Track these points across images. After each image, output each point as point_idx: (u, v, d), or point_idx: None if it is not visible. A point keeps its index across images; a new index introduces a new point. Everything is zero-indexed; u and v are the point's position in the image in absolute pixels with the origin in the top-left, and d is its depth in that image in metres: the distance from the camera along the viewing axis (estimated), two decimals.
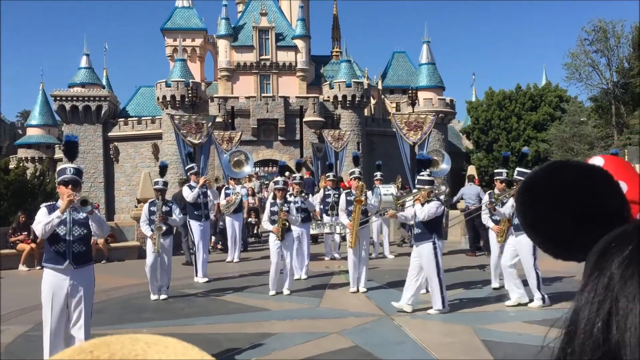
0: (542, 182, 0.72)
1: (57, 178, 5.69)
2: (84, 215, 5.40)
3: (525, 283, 8.17)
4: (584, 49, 38.57)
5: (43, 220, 5.28)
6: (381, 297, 8.89)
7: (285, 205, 9.21)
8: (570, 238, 0.69)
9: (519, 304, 8.00)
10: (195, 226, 10.82)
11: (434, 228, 7.73)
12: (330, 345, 6.38)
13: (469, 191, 13.60)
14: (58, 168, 5.85)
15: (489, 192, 9.75)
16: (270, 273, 9.20)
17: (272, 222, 9.16)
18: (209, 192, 11.12)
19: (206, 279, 10.40)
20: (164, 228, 8.98)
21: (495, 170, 8.93)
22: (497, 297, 8.73)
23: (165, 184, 9.56)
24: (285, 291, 9.11)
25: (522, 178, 8.16)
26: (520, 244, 7.98)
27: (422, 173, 8.10)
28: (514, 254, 8.14)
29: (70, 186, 5.32)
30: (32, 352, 6.08)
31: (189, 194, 10.82)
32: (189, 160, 10.82)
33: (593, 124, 38.62)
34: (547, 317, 7.41)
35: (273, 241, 9.23)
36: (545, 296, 7.92)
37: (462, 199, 13.83)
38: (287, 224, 9.13)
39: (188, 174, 11.65)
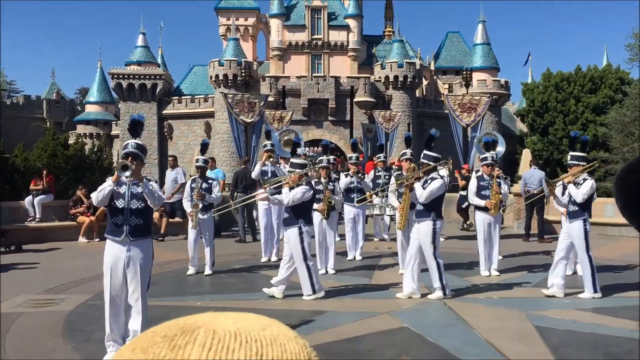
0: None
1: (120, 151, 5.88)
2: (141, 191, 5.54)
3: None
4: None
5: (98, 189, 5.51)
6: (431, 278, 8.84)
7: (330, 184, 9.24)
8: None
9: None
10: (259, 205, 10.89)
11: (434, 207, 7.55)
12: (379, 326, 6.40)
13: (532, 175, 13.16)
14: (123, 143, 5.99)
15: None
16: (315, 251, 9.30)
17: (317, 201, 9.21)
18: (277, 171, 10.93)
19: (265, 258, 10.53)
20: (201, 205, 9.17)
21: (572, 154, 8.44)
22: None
23: (206, 161, 9.79)
24: (330, 270, 9.18)
25: (576, 162, 7.90)
26: (572, 231, 7.74)
27: (427, 150, 7.91)
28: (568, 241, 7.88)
29: (130, 158, 5.47)
30: (92, 319, 6.33)
31: (253, 171, 11.00)
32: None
33: None
34: (601, 305, 7.25)
35: (317, 220, 9.29)
36: (598, 287, 7.65)
37: (525, 183, 13.32)
38: (332, 202, 9.15)
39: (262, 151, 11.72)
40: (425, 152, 7.92)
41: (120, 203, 5.54)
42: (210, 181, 9.43)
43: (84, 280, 8.61)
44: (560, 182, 8.20)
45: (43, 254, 11.50)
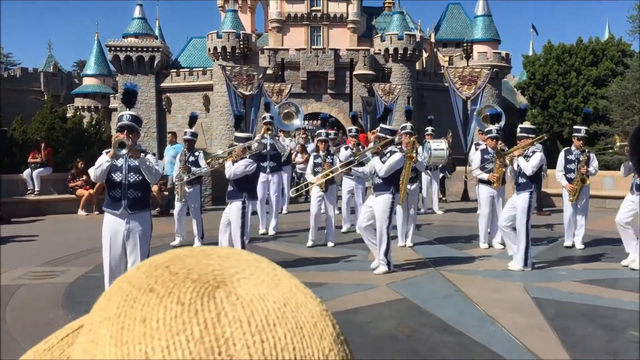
0: None
1: (116, 123, 5.82)
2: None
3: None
4: None
5: (96, 165, 5.47)
6: (430, 251, 8.88)
7: (329, 157, 9.21)
8: None
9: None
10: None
11: (393, 181, 7.48)
12: (378, 297, 6.44)
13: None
14: (118, 115, 5.93)
15: (565, 149, 9.29)
16: (310, 224, 9.30)
17: (315, 174, 9.19)
18: (276, 144, 10.83)
19: (271, 232, 10.51)
20: (185, 178, 9.16)
21: (521, 126, 8.64)
22: (551, 256, 8.58)
23: (194, 134, 9.75)
24: (330, 244, 9.18)
25: (525, 135, 8.04)
26: (518, 202, 7.73)
27: (383, 123, 7.86)
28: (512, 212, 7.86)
29: (125, 131, 5.42)
30: (92, 291, 6.35)
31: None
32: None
33: None
34: (599, 277, 7.29)
35: (315, 192, 9.28)
36: (529, 261, 7.63)
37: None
38: (330, 175, 9.12)
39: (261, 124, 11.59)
40: (381, 125, 7.87)
41: (117, 176, 5.52)
42: (197, 154, 9.37)
43: (83, 252, 8.63)
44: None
45: (42, 227, 11.51)
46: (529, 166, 7.60)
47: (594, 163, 8.85)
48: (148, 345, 0.41)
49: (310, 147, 13.85)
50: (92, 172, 5.57)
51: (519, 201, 7.66)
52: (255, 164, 7.55)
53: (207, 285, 0.45)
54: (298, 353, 0.42)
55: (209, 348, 0.41)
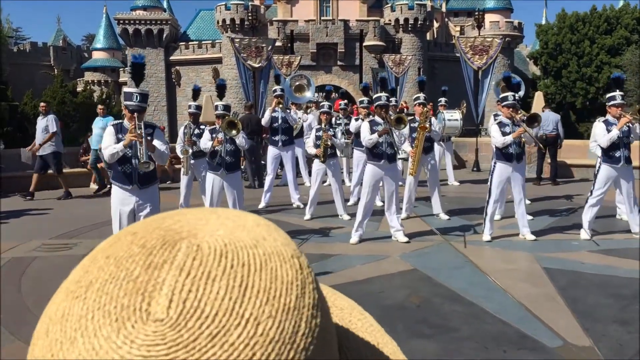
0: None
1: (123, 99, 5.81)
2: (147, 138, 5.51)
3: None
4: None
5: (109, 149, 5.47)
6: (441, 223, 8.88)
7: (331, 129, 9.15)
8: None
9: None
10: (269, 151, 10.82)
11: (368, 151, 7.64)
12: (389, 268, 6.47)
13: (547, 118, 12.90)
14: (124, 90, 5.91)
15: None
16: (309, 197, 9.32)
17: (317, 146, 9.15)
18: (287, 117, 10.71)
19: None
20: (191, 151, 9.20)
21: (608, 95, 7.97)
22: (563, 227, 8.55)
23: (198, 107, 9.77)
24: (345, 216, 9.15)
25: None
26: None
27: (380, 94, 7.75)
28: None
29: (135, 114, 5.44)
30: None
31: (263, 118, 10.88)
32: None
33: None
34: (610, 247, 7.26)
35: (316, 165, 9.26)
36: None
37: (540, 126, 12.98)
38: (329, 144, 9.07)
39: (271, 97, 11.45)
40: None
41: (128, 152, 5.53)
42: (202, 127, 9.32)
43: (95, 225, 8.71)
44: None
45: (54, 201, 11.60)
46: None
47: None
48: (96, 277, 0.42)
49: (309, 118, 13.68)
50: (107, 155, 5.55)
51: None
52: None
53: (175, 235, 0.44)
54: (224, 310, 0.40)
55: (137, 287, 0.41)
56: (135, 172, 5.55)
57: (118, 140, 5.52)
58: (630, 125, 7.60)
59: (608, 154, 7.67)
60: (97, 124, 12.52)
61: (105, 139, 5.60)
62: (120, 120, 5.74)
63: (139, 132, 5.34)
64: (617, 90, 7.76)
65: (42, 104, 12.77)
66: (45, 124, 11.91)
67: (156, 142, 5.58)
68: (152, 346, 0.39)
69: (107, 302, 0.41)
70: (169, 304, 0.40)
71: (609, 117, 7.76)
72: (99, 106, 13.51)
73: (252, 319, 0.40)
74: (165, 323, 0.39)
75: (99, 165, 12.55)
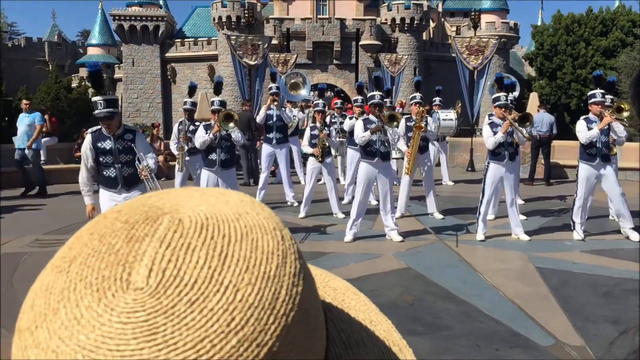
0: None
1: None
2: (128, 144, 5.50)
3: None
4: None
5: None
6: (434, 222, 8.90)
7: (326, 128, 9.16)
8: None
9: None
10: (263, 149, 10.80)
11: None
12: (383, 266, 6.48)
13: (542, 119, 12.98)
14: (93, 100, 5.55)
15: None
16: (304, 195, 9.33)
17: (312, 145, 9.16)
18: (282, 115, 10.61)
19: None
20: (186, 148, 9.22)
21: (589, 93, 7.87)
22: (557, 227, 8.58)
23: (193, 104, 9.83)
24: (340, 215, 9.17)
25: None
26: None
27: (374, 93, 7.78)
28: None
29: (105, 121, 5.36)
30: None
31: (258, 115, 10.87)
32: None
33: None
34: (603, 247, 7.30)
35: (311, 164, 9.27)
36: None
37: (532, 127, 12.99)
38: (327, 144, 9.09)
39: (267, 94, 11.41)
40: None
41: (109, 159, 5.48)
42: (197, 124, 9.30)
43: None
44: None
45: (48, 196, 11.56)
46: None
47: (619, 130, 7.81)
48: (79, 252, 0.44)
49: (299, 115, 13.70)
50: (82, 177, 5.59)
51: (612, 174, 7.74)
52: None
53: (159, 210, 0.46)
54: (203, 278, 0.41)
55: (117, 259, 0.42)
56: (120, 175, 5.51)
57: (99, 150, 5.46)
58: (612, 124, 7.64)
59: (585, 152, 7.75)
60: (22, 120, 11.97)
61: (84, 154, 5.53)
62: (99, 128, 5.57)
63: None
64: (598, 88, 7.84)
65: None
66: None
67: (150, 161, 5.53)
68: (131, 313, 0.40)
69: (89, 274, 0.42)
70: (148, 273, 0.41)
71: (590, 115, 7.83)
72: (24, 101, 12.91)
73: (230, 286, 0.41)
74: (145, 291, 0.41)
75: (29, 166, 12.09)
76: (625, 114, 7.55)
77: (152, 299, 0.40)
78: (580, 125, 7.81)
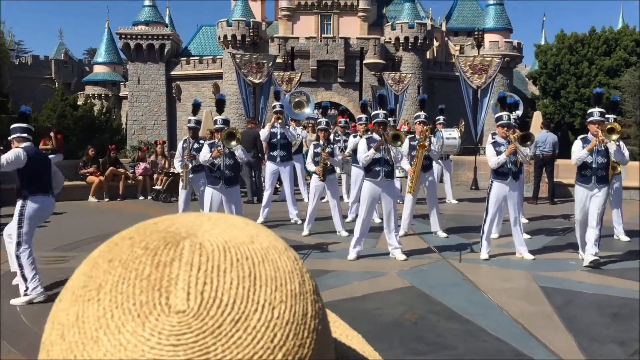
0: None
1: None
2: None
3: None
4: None
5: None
6: (438, 240, 8.88)
7: (329, 146, 9.16)
8: None
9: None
10: (267, 167, 10.82)
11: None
12: (386, 285, 6.46)
13: (545, 138, 13.02)
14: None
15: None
16: (307, 213, 9.32)
17: (316, 163, 9.18)
18: (287, 133, 10.66)
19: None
20: (191, 165, 9.21)
21: (588, 112, 7.68)
22: (561, 246, 8.55)
23: (197, 122, 9.82)
24: (343, 233, 9.15)
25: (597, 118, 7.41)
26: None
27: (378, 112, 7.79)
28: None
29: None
30: None
31: (262, 133, 10.92)
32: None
33: None
34: (608, 267, 7.26)
35: (314, 182, 9.27)
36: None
37: (536, 146, 12.93)
38: (329, 164, 9.09)
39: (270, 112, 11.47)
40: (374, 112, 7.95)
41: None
42: (201, 142, 9.34)
43: (93, 238, 8.70)
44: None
45: (53, 213, 11.57)
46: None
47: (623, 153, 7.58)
48: (105, 280, 0.44)
49: (303, 133, 13.72)
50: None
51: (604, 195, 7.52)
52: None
53: (176, 235, 0.47)
54: (241, 298, 0.43)
55: (151, 284, 0.43)
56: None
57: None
58: (607, 145, 7.35)
59: (580, 173, 7.54)
60: None
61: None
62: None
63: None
64: (597, 107, 7.62)
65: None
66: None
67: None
68: (180, 335, 0.41)
69: (125, 300, 0.43)
70: (187, 296, 0.43)
71: (588, 135, 7.58)
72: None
73: (267, 304, 0.44)
74: (188, 314, 0.42)
75: None
76: (615, 136, 7.29)
77: (196, 321, 0.42)
78: (576, 145, 7.58)
